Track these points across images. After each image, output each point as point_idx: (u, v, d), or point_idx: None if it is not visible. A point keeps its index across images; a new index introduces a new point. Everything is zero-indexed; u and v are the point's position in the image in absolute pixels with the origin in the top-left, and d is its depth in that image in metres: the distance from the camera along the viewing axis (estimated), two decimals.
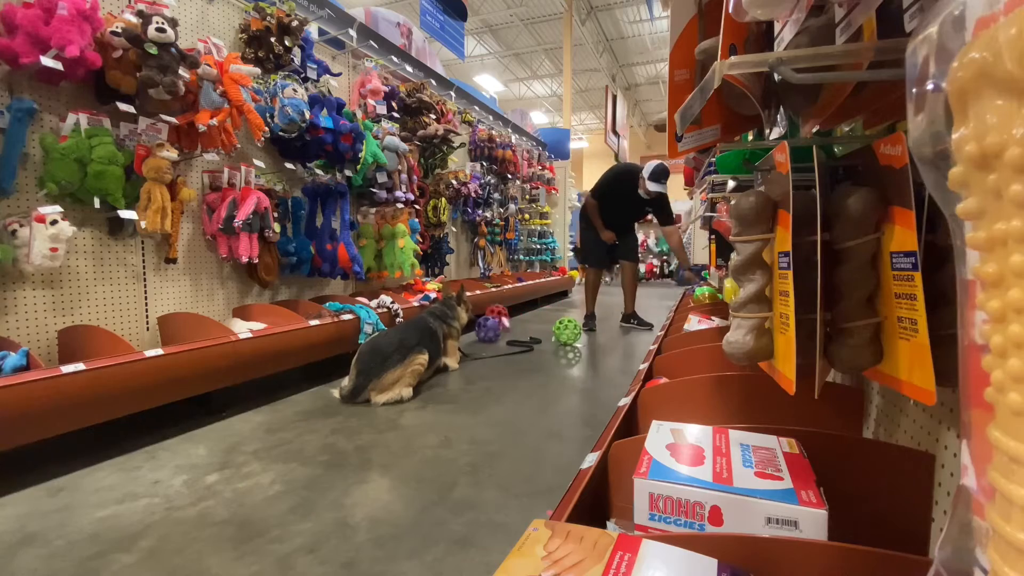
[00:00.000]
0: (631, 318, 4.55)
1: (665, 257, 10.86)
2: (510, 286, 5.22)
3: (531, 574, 0.56)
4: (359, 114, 3.38)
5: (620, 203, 4.28)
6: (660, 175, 4.04)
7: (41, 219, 1.82)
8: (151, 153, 2.11)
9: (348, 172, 3.14)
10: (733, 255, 0.92)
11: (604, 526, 0.85)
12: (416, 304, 3.42)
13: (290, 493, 1.48)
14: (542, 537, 0.63)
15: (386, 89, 3.58)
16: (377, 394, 2.29)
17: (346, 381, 2.37)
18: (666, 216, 4.28)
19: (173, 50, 2.07)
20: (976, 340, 0.31)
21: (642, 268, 10.83)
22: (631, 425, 1.30)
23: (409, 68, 4.20)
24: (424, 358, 2.48)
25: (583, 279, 4.87)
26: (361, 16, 4.10)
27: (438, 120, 4.07)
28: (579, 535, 0.63)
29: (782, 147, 0.80)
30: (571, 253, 9.58)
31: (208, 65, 2.25)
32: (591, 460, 1.00)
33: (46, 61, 1.76)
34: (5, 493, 1.48)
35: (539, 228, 7.14)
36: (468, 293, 4.17)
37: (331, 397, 2.38)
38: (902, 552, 0.59)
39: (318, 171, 3.06)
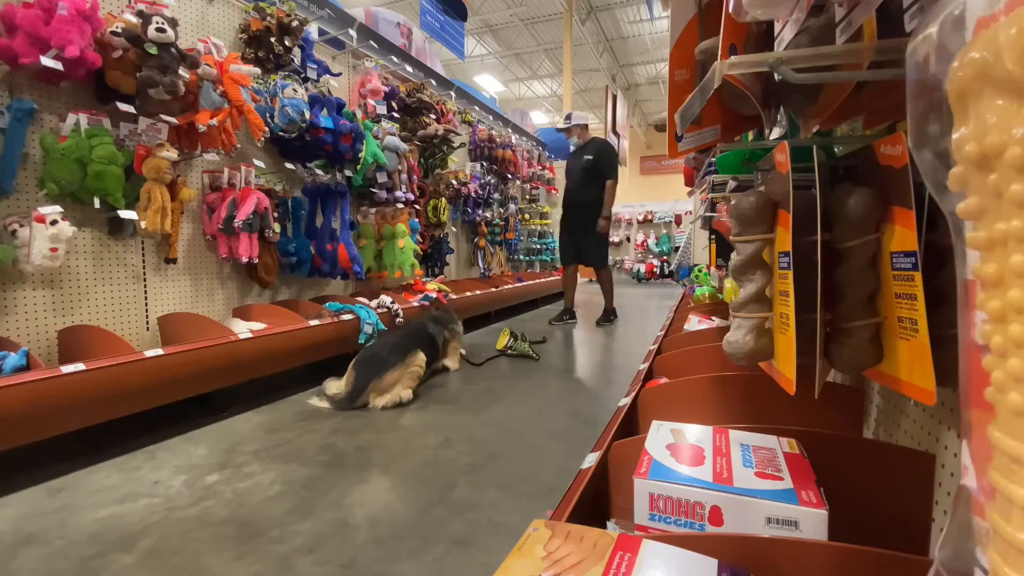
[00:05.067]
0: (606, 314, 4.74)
1: (665, 257, 10.86)
2: (510, 286, 5.22)
3: (531, 574, 0.56)
4: (359, 114, 3.38)
5: (569, 174, 4.59)
6: (566, 117, 4.53)
7: (41, 219, 1.82)
8: (151, 153, 2.11)
9: (348, 172, 3.14)
10: (733, 255, 0.92)
11: (604, 526, 0.85)
12: (416, 304, 3.41)
13: (290, 493, 1.48)
14: (542, 537, 0.63)
15: (386, 89, 3.58)
16: (377, 396, 2.27)
17: (333, 387, 2.31)
18: (606, 167, 4.37)
19: (173, 50, 2.07)
20: (976, 340, 0.31)
21: (642, 268, 10.83)
22: (631, 425, 1.30)
23: (409, 68, 4.20)
24: (422, 358, 2.47)
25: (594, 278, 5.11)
26: (361, 16, 4.10)
27: (438, 120, 4.07)
28: (579, 535, 0.63)
29: (782, 147, 0.80)
30: None
31: (208, 65, 2.25)
32: (591, 460, 1.00)
33: (46, 61, 1.76)
34: (5, 493, 1.48)
35: (539, 228, 7.14)
36: (468, 293, 4.18)
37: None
38: (902, 552, 0.59)
39: (318, 171, 3.06)
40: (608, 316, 4.68)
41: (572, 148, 4.62)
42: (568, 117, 4.64)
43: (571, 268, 4.68)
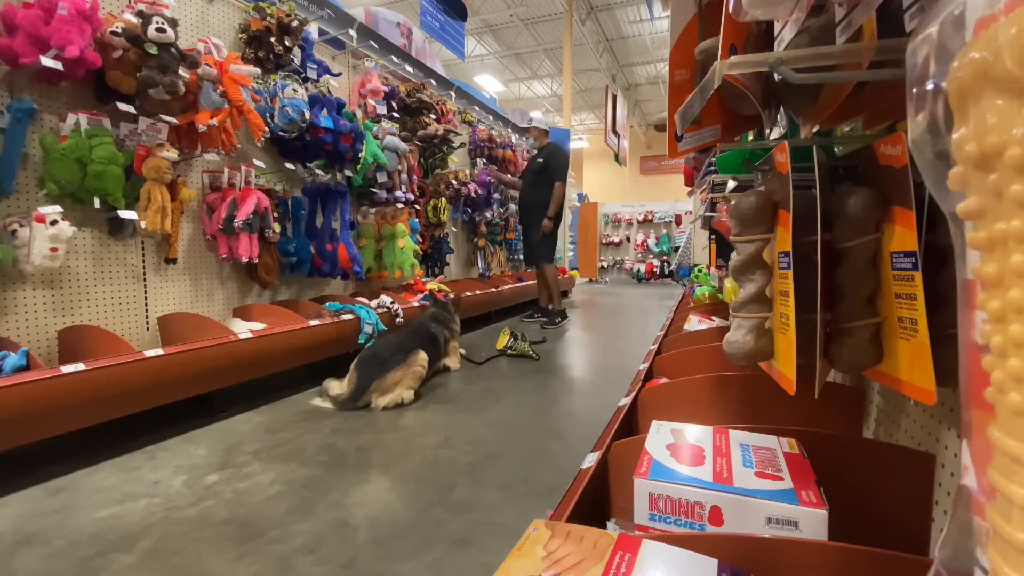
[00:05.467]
0: (542, 312, 4.80)
1: (665, 257, 10.86)
2: (510, 286, 5.21)
3: (531, 574, 0.56)
4: (359, 114, 3.38)
5: (525, 179, 4.74)
6: (530, 118, 4.71)
7: (41, 219, 1.82)
8: (151, 153, 2.11)
9: (348, 172, 3.14)
10: (733, 255, 0.92)
11: (604, 526, 0.85)
12: (416, 304, 3.42)
13: (290, 493, 1.48)
14: (542, 537, 0.63)
15: (386, 89, 3.58)
16: (379, 396, 2.28)
17: (336, 388, 2.31)
18: (554, 169, 4.49)
19: (173, 50, 2.07)
20: (976, 340, 0.31)
21: (642, 268, 10.83)
22: (631, 425, 1.30)
23: (409, 68, 4.20)
24: (424, 358, 2.48)
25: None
26: (361, 16, 4.10)
27: (438, 120, 4.07)
28: (579, 535, 0.63)
29: (782, 147, 0.80)
30: (571, 253, 9.58)
31: (208, 65, 2.25)
32: (591, 460, 1.00)
33: (46, 61, 1.76)
34: (5, 493, 1.48)
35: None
36: (468, 293, 4.18)
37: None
38: (902, 552, 0.59)
39: (318, 171, 3.06)
40: (552, 317, 4.62)
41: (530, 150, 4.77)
42: (530, 119, 4.80)
43: (532, 269, 4.84)
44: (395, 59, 4.03)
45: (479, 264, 5.44)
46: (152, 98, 2.07)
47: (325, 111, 2.84)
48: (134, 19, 1.99)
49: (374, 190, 3.43)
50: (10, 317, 1.91)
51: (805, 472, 0.75)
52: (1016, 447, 0.28)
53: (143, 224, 2.10)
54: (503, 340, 3.41)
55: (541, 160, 4.57)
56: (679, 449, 0.83)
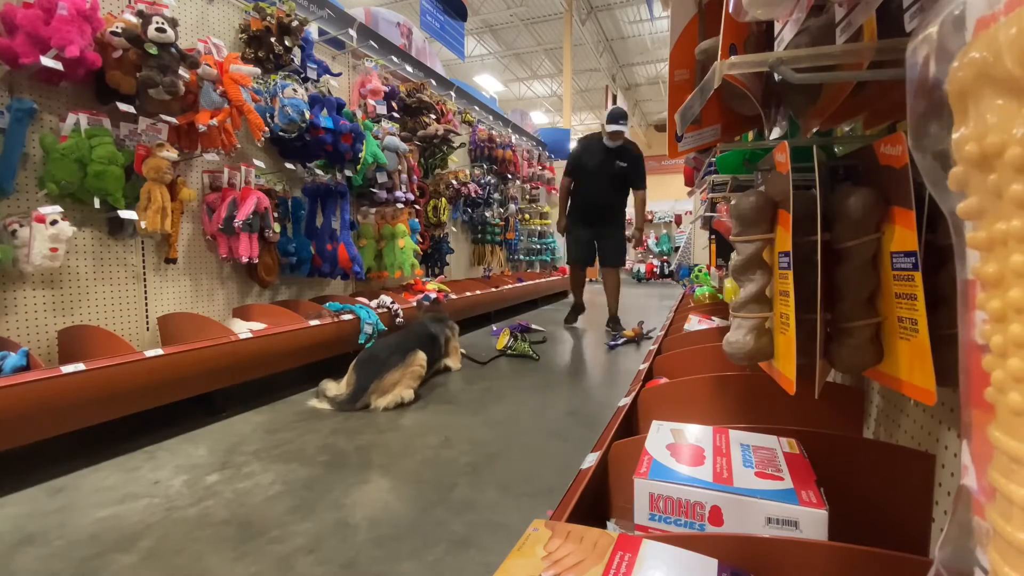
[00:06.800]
0: (613, 322, 4.34)
1: (665, 257, 10.86)
2: (510, 286, 5.22)
3: (531, 574, 0.56)
4: (359, 114, 3.38)
5: (594, 174, 4.17)
6: (617, 116, 4.03)
7: (41, 219, 1.82)
8: (151, 153, 2.11)
9: (348, 172, 3.14)
10: (733, 255, 0.92)
11: (604, 526, 0.86)
12: (416, 304, 3.41)
13: (290, 493, 1.48)
14: (542, 537, 0.63)
15: (386, 89, 3.58)
16: (378, 397, 2.27)
17: (333, 389, 2.31)
18: (638, 178, 4.15)
19: (173, 50, 2.07)
20: (976, 340, 0.31)
21: (642, 268, 10.83)
22: (631, 425, 1.30)
23: (409, 68, 4.20)
24: (423, 358, 2.47)
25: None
26: (361, 16, 4.10)
27: (438, 120, 4.07)
28: (579, 535, 0.63)
29: (782, 147, 0.80)
30: None
31: (208, 65, 2.25)
32: (591, 460, 1.00)
33: (46, 61, 1.75)
34: (5, 493, 1.48)
35: (539, 228, 7.14)
36: (468, 293, 4.18)
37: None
38: (902, 552, 0.59)
39: (318, 171, 3.06)
40: (618, 323, 4.31)
41: (607, 145, 4.13)
42: (623, 116, 4.17)
43: (583, 268, 4.53)
44: (395, 59, 4.03)
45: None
46: (152, 98, 2.07)
47: (325, 111, 2.84)
48: (134, 19, 1.99)
49: (374, 190, 3.42)
50: (10, 317, 1.91)
51: (805, 472, 0.75)
52: (1016, 447, 0.28)
53: (143, 224, 2.10)
54: (503, 340, 3.41)
55: (624, 164, 4.14)
56: (679, 449, 0.83)
